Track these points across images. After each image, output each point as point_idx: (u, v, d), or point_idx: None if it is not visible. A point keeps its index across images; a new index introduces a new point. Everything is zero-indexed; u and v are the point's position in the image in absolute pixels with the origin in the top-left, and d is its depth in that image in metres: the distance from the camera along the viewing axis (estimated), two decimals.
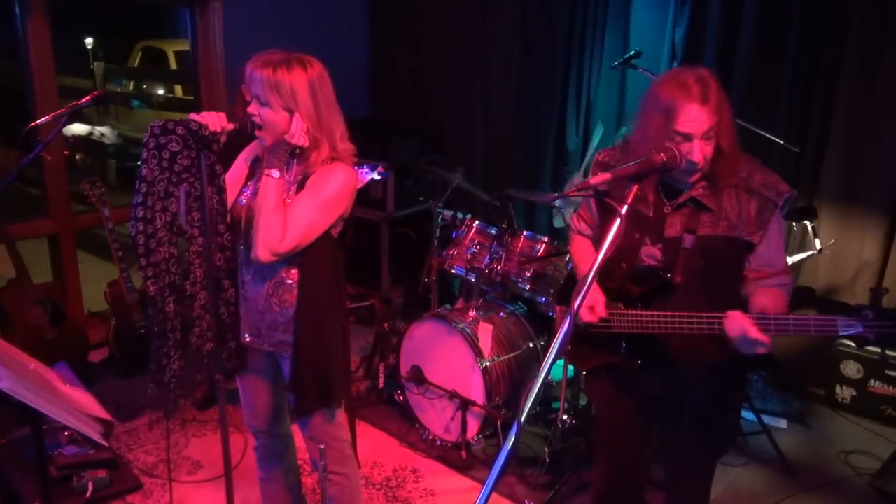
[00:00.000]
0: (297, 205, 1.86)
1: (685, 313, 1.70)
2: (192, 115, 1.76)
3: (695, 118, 1.65)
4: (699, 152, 1.68)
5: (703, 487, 2.03)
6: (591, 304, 1.84)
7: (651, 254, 1.85)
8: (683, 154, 1.65)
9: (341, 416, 2.10)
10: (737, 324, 1.61)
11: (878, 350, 3.48)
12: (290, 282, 1.94)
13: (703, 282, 1.79)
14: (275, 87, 1.78)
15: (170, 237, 1.80)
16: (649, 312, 1.80)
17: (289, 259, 1.90)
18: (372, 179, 3.45)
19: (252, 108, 1.84)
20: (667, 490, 2.12)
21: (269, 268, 1.93)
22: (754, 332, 1.58)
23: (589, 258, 2.09)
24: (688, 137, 1.66)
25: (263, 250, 1.83)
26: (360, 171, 3.16)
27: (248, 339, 2.04)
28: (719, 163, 1.73)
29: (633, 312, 1.83)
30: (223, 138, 1.79)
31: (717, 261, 1.77)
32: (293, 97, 1.79)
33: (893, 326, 1.43)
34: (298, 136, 1.81)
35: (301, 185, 1.89)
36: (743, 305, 1.73)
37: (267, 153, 1.87)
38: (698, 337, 1.72)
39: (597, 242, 2.10)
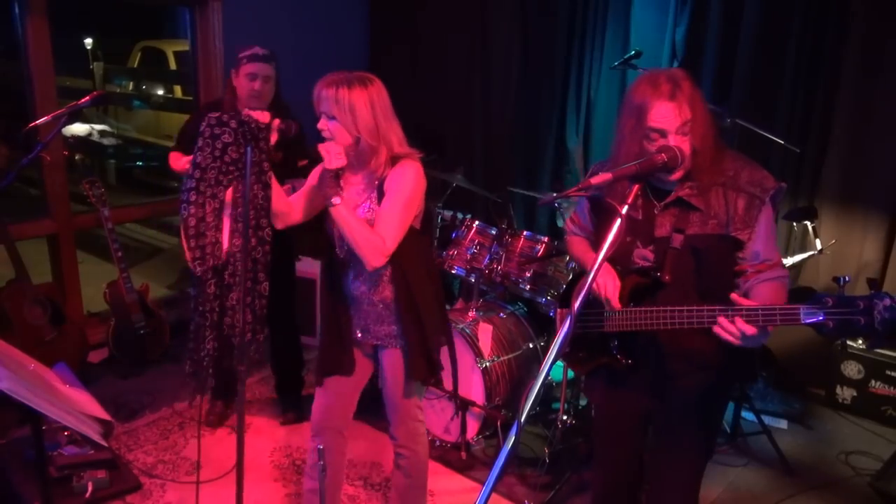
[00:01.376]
0: (386, 210, 2.04)
1: (675, 307, 1.70)
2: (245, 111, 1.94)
3: (665, 114, 1.66)
4: None
5: (691, 487, 2.01)
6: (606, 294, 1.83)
7: (643, 255, 1.86)
8: (685, 153, 1.66)
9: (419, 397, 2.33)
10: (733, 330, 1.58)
11: (879, 350, 3.48)
12: (386, 278, 2.15)
13: (693, 280, 1.80)
14: (338, 103, 1.98)
15: (216, 223, 1.94)
16: (641, 308, 1.80)
17: None
18: None
19: (321, 124, 2.03)
20: (651, 487, 2.08)
21: (368, 270, 2.11)
22: (751, 329, 1.55)
23: (589, 252, 2.10)
24: (662, 134, 1.68)
25: (376, 258, 2.02)
26: None
27: (359, 336, 2.26)
28: (695, 160, 1.73)
29: (626, 310, 1.84)
30: (274, 136, 1.96)
31: (707, 259, 1.78)
32: (353, 111, 1.98)
33: (852, 313, 1.39)
34: (332, 160, 1.97)
35: (380, 190, 2.07)
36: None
37: (319, 187, 2.06)
38: (688, 332, 1.72)
39: (592, 246, 2.10)
